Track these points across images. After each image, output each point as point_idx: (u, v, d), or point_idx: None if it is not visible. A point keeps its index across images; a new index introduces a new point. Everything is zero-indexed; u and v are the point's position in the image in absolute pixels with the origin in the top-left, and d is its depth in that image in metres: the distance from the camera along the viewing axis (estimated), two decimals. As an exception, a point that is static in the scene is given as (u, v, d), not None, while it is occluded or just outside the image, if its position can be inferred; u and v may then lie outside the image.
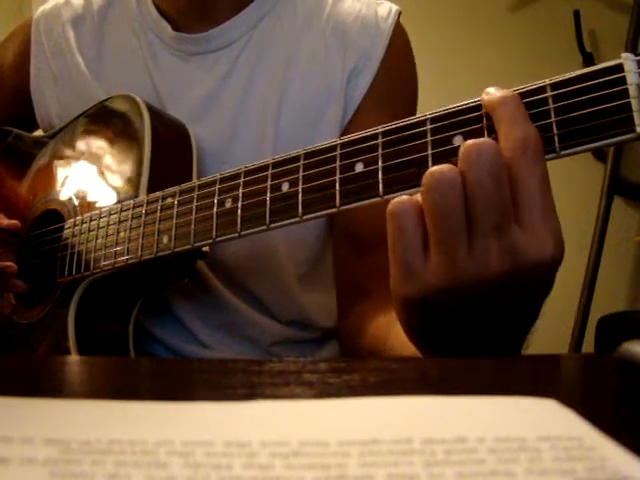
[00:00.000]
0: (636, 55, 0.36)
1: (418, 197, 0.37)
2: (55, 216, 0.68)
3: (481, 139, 0.36)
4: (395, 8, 0.73)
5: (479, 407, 0.22)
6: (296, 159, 0.47)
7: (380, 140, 0.43)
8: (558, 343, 1.86)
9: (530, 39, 2.20)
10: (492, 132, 0.39)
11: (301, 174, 0.46)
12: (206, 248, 0.59)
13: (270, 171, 0.48)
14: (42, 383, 0.31)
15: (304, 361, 0.34)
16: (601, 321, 1.77)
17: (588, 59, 2.12)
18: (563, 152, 0.37)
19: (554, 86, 0.38)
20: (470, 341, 0.39)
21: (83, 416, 0.21)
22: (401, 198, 0.37)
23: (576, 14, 2.11)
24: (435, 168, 0.36)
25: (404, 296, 0.38)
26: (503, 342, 0.40)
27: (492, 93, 0.38)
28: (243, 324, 0.71)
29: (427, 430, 0.19)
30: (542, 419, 0.21)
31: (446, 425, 0.20)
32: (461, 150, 0.36)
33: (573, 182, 1.97)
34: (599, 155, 1.87)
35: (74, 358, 0.57)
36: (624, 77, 0.35)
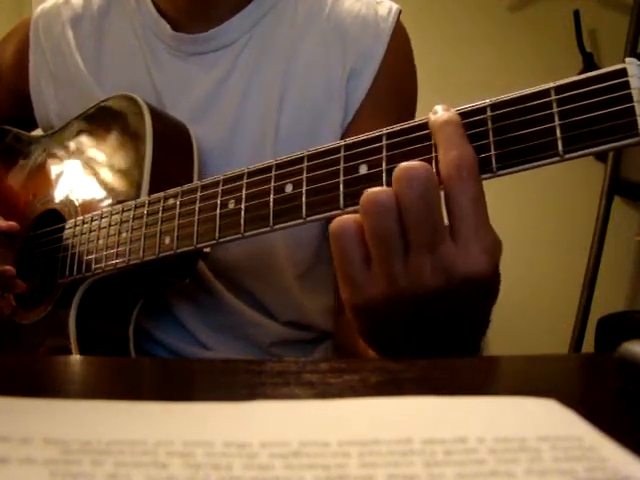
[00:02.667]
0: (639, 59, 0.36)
1: (357, 215, 0.39)
2: (55, 216, 0.68)
3: (414, 162, 0.38)
4: (395, 7, 0.73)
5: (479, 407, 0.22)
6: (300, 160, 0.46)
7: (385, 142, 0.43)
8: (558, 343, 1.86)
9: (530, 39, 2.20)
10: (497, 135, 0.39)
11: (305, 176, 0.46)
12: (207, 249, 0.59)
13: (273, 172, 0.48)
14: (42, 383, 0.31)
15: (304, 361, 0.34)
16: (601, 321, 1.77)
17: (588, 59, 2.12)
18: (567, 155, 0.37)
19: (558, 89, 0.38)
20: (417, 345, 0.41)
21: (83, 416, 0.21)
22: (341, 218, 0.39)
23: (576, 14, 2.11)
24: (370, 191, 0.38)
25: (351, 305, 0.40)
26: (451, 346, 0.42)
27: (436, 115, 0.40)
28: (243, 325, 0.71)
29: (427, 430, 0.19)
30: (542, 419, 0.21)
31: (446, 425, 0.20)
32: (395, 173, 0.38)
33: (573, 182, 1.97)
34: (599, 155, 1.87)
35: (74, 358, 0.57)
36: (628, 82, 0.35)
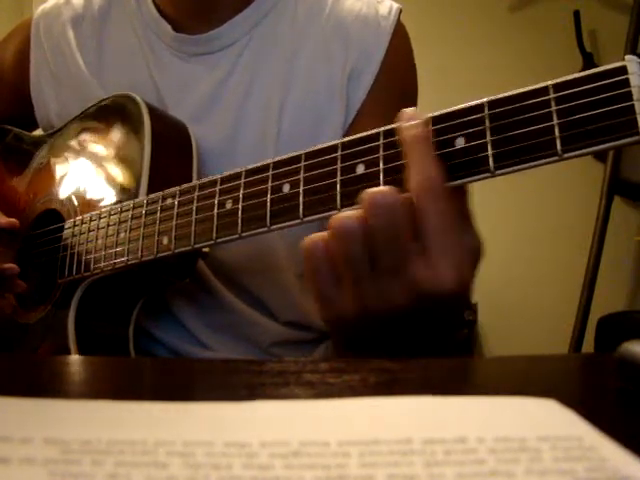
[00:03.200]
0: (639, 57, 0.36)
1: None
2: (55, 216, 0.68)
3: (381, 188, 0.39)
4: (396, 6, 0.73)
5: (479, 407, 0.22)
6: (297, 160, 0.46)
7: (382, 141, 0.43)
8: (558, 343, 1.86)
9: (530, 39, 2.20)
10: (495, 134, 0.38)
11: (302, 175, 0.45)
12: (206, 248, 0.59)
13: (271, 172, 0.47)
14: (42, 383, 0.31)
15: (304, 361, 0.34)
16: (601, 321, 1.77)
17: (588, 59, 2.12)
18: (566, 155, 0.36)
19: (557, 87, 0.37)
20: (389, 354, 0.42)
21: (83, 416, 0.21)
22: (313, 237, 0.41)
23: (576, 14, 2.11)
24: (337, 216, 0.39)
25: (323, 319, 0.42)
26: (424, 350, 0.43)
27: (407, 129, 0.40)
28: (243, 325, 0.71)
29: (427, 430, 0.19)
30: (542, 419, 0.21)
31: (446, 425, 0.20)
32: (362, 198, 0.39)
33: (573, 182, 1.97)
34: (599, 155, 1.87)
35: (74, 358, 0.57)
36: (627, 79, 0.35)
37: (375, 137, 0.43)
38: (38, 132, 0.81)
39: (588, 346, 1.81)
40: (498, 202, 2.07)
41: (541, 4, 2.25)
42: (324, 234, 0.40)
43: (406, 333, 0.41)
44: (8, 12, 2.24)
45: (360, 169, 0.43)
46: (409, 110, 0.41)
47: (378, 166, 0.42)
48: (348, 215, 0.39)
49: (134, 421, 0.21)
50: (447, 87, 2.08)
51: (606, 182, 1.88)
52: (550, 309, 2.10)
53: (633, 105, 0.34)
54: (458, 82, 2.19)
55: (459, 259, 0.38)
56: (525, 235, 2.20)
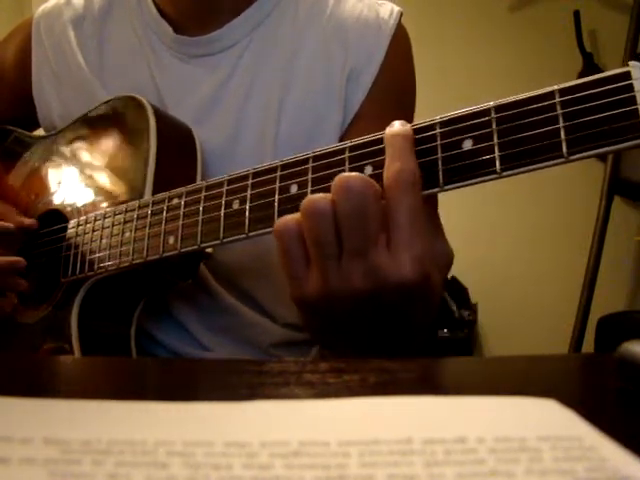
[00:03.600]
0: None
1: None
2: (57, 216, 0.68)
3: (351, 174, 0.40)
4: (397, 9, 0.73)
5: (479, 407, 0.22)
6: (305, 161, 0.47)
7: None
8: (558, 343, 1.86)
9: (530, 39, 2.21)
10: (501, 137, 0.39)
11: (310, 176, 0.46)
12: (210, 250, 0.59)
13: (279, 173, 0.48)
14: (42, 383, 0.31)
15: (304, 361, 0.34)
16: (601, 321, 1.77)
17: (588, 59, 2.12)
18: (572, 157, 0.37)
19: (562, 92, 0.38)
20: (352, 341, 0.45)
21: (83, 416, 0.21)
22: (285, 218, 0.42)
23: (576, 14, 2.11)
24: (310, 197, 0.41)
25: (292, 298, 0.44)
26: (387, 346, 0.45)
27: (391, 128, 0.43)
28: (243, 326, 0.71)
29: (427, 430, 0.19)
30: (542, 419, 0.21)
31: (446, 425, 0.20)
32: (334, 181, 0.40)
33: (573, 182, 1.97)
34: (599, 155, 1.87)
35: (74, 358, 0.57)
36: (632, 84, 0.36)
37: (382, 140, 0.44)
38: (39, 132, 0.81)
39: (588, 346, 1.81)
40: (498, 202, 2.08)
41: (541, 4, 2.25)
42: (295, 215, 0.42)
43: (364, 321, 0.43)
44: (8, 12, 2.24)
45: (368, 170, 0.44)
46: (397, 121, 0.43)
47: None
48: (319, 196, 0.40)
49: (134, 421, 0.21)
50: (447, 87, 2.08)
51: (606, 182, 1.88)
52: (550, 309, 2.10)
53: (637, 109, 0.36)
54: (458, 82, 2.19)
55: (421, 253, 0.40)
56: (525, 235, 2.20)
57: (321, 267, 0.41)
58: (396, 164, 0.41)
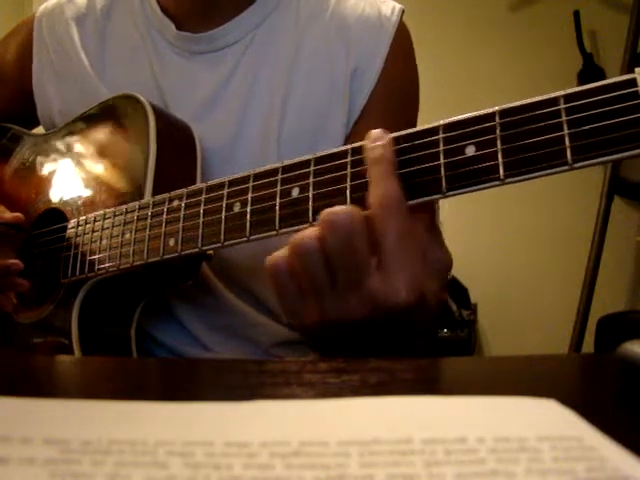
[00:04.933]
0: None
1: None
2: (57, 215, 0.68)
3: (336, 209, 0.41)
4: (398, 7, 0.73)
5: (479, 407, 0.22)
6: (307, 164, 0.46)
7: (394, 147, 0.43)
8: (558, 343, 1.86)
9: (530, 39, 2.20)
10: (505, 143, 0.39)
11: (312, 180, 0.45)
12: (211, 251, 0.59)
13: (280, 176, 0.47)
14: (42, 383, 0.31)
15: (304, 361, 0.34)
16: (601, 321, 1.77)
17: (588, 59, 2.12)
18: (576, 165, 0.37)
19: (567, 98, 0.38)
20: (356, 352, 0.45)
21: (83, 416, 0.21)
22: (275, 256, 0.43)
23: (576, 14, 2.11)
24: (297, 236, 0.41)
25: (293, 327, 0.46)
26: (389, 354, 0.45)
27: (371, 150, 0.42)
28: (244, 325, 0.71)
29: (427, 430, 0.19)
30: (542, 419, 0.21)
31: (446, 425, 0.20)
32: (320, 217, 0.41)
33: (573, 182, 1.97)
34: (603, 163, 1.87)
35: (74, 358, 0.57)
36: (637, 92, 0.36)
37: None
38: (39, 130, 0.81)
39: (588, 346, 1.81)
40: (498, 202, 2.08)
41: (541, 4, 2.25)
42: (285, 252, 0.42)
43: (367, 341, 0.43)
44: (8, 11, 2.24)
45: None
46: (376, 131, 0.43)
47: None
48: (306, 234, 0.41)
49: (134, 421, 0.21)
50: (447, 87, 2.08)
51: (606, 182, 1.88)
52: (550, 309, 2.10)
53: None
54: (458, 82, 2.19)
55: (414, 274, 0.40)
56: (525, 235, 2.20)
57: (316, 300, 0.42)
58: (380, 189, 0.41)
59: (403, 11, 0.73)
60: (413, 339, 0.45)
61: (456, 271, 2.13)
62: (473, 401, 0.23)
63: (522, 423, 0.20)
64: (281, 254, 0.43)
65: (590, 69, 2.08)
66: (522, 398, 0.22)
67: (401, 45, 0.72)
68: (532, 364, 0.36)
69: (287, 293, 0.43)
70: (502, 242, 2.20)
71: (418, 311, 0.41)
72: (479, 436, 0.19)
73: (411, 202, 0.42)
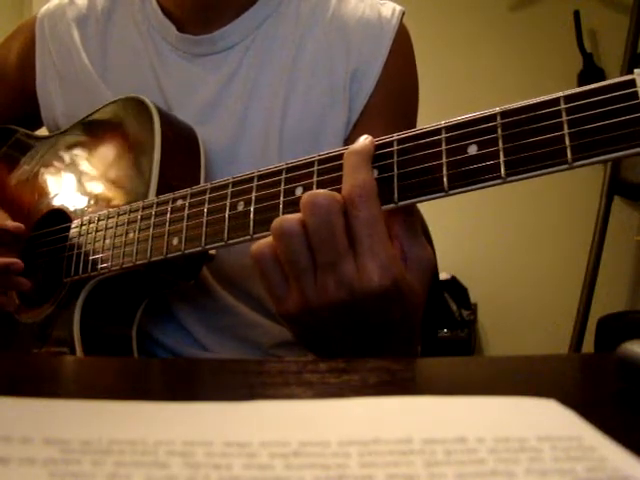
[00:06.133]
0: None
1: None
2: (59, 216, 0.68)
3: (317, 191, 0.43)
4: (399, 8, 0.73)
5: (479, 407, 0.22)
6: (310, 164, 0.47)
7: (395, 148, 0.44)
8: (558, 343, 1.86)
9: (530, 39, 2.21)
10: (507, 142, 0.39)
11: (315, 179, 0.46)
12: (213, 251, 0.59)
13: (284, 175, 0.48)
14: (42, 383, 0.31)
15: (304, 361, 0.34)
16: (601, 321, 1.77)
17: (588, 59, 2.12)
18: (576, 164, 0.38)
19: (568, 98, 0.38)
20: (340, 348, 0.46)
21: (83, 416, 0.21)
22: (259, 243, 0.45)
23: (576, 14, 2.12)
24: (278, 219, 0.43)
25: (278, 313, 0.46)
26: (373, 348, 0.46)
27: (352, 146, 0.45)
28: (243, 326, 0.71)
29: (427, 430, 0.19)
30: (542, 419, 0.21)
31: (446, 425, 0.20)
32: (301, 200, 0.43)
33: (573, 182, 1.97)
34: (603, 162, 1.87)
35: (74, 358, 0.57)
36: (636, 92, 0.36)
37: (389, 144, 0.44)
38: (42, 132, 0.81)
39: (588, 346, 1.81)
40: (498, 202, 2.08)
41: (541, 4, 2.25)
42: (268, 239, 0.44)
43: (346, 329, 0.45)
44: (8, 12, 2.24)
45: (374, 174, 0.44)
46: (363, 137, 0.45)
47: (392, 171, 0.43)
48: (287, 217, 0.43)
49: (134, 421, 0.21)
50: (447, 87, 2.08)
51: (606, 182, 1.88)
52: (550, 309, 2.10)
53: None
54: (458, 82, 2.19)
55: (386, 260, 0.42)
56: (525, 235, 2.20)
57: (298, 283, 0.43)
58: (350, 180, 0.43)
59: (403, 13, 0.73)
60: (393, 329, 0.46)
61: (456, 271, 2.13)
62: (473, 401, 0.23)
63: (522, 423, 0.20)
64: (265, 241, 0.44)
65: (590, 69, 2.08)
66: (522, 398, 0.22)
67: (401, 47, 0.72)
68: (532, 364, 0.36)
69: (272, 279, 0.44)
70: (502, 242, 2.20)
71: (393, 298, 0.43)
72: (479, 436, 0.19)
73: (413, 200, 0.42)
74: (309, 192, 0.43)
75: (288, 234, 0.42)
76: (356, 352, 0.46)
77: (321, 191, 0.43)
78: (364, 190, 0.42)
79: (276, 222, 0.43)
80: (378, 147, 0.45)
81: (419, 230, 0.46)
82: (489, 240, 2.20)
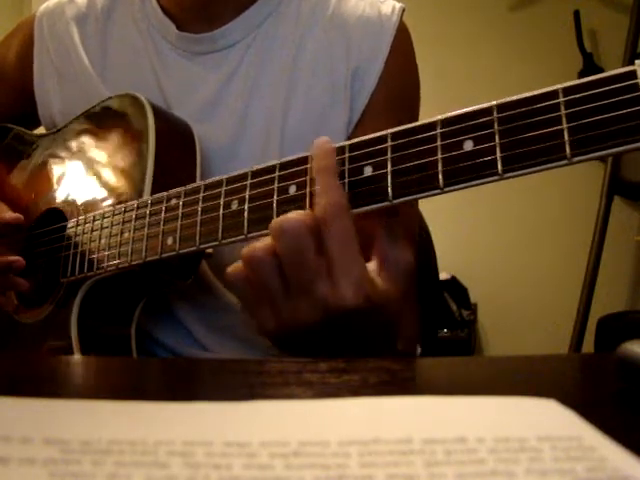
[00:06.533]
0: None
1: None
2: (57, 215, 0.68)
3: (285, 217, 0.43)
4: (399, 6, 0.73)
5: (479, 407, 0.22)
6: (304, 161, 0.46)
7: (389, 143, 0.43)
8: (558, 343, 1.86)
9: (530, 39, 2.21)
10: (503, 137, 0.39)
11: (308, 177, 0.45)
12: (210, 249, 0.59)
13: (277, 173, 0.47)
14: (42, 383, 0.31)
15: (304, 361, 0.34)
16: (601, 321, 1.77)
17: (588, 59, 2.12)
18: (575, 159, 0.37)
19: (566, 91, 0.37)
20: (321, 353, 0.46)
21: (83, 416, 0.21)
22: (233, 267, 0.45)
23: (576, 14, 2.12)
24: (249, 247, 0.44)
25: (257, 331, 0.47)
26: (356, 352, 0.46)
27: (316, 159, 0.44)
28: (244, 326, 0.70)
29: (427, 430, 0.19)
30: (542, 419, 0.21)
31: (446, 425, 0.20)
32: (270, 226, 0.43)
33: (573, 182, 1.97)
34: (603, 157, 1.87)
35: (74, 358, 0.57)
36: (637, 84, 0.35)
37: (383, 139, 0.43)
38: (40, 130, 0.81)
39: (588, 346, 1.81)
40: (498, 202, 2.08)
41: (541, 4, 2.25)
42: (240, 265, 0.45)
43: (323, 345, 0.45)
44: (8, 12, 2.24)
45: (368, 171, 0.43)
46: (321, 139, 0.45)
47: (386, 168, 0.42)
48: (256, 246, 0.43)
49: (134, 421, 0.21)
50: (446, 87, 2.08)
51: (606, 182, 1.88)
52: (550, 309, 2.10)
53: None
54: (457, 82, 2.19)
55: (359, 276, 0.42)
56: (525, 235, 2.20)
57: (272, 306, 0.44)
58: (324, 198, 0.43)
59: (403, 10, 0.73)
60: (373, 339, 0.46)
61: (456, 271, 2.13)
62: (473, 401, 0.23)
63: (522, 423, 0.20)
64: (238, 265, 0.45)
65: (590, 69, 2.08)
66: (522, 398, 0.22)
67: (402, 45, 0.72)
68: (532, 364, 0.36)
69: (246, 299, 0.46)
70: (502, 242, 2.20)
71: (368, 313, 0.43)
72: (479, 436, 0.19)
73: (408, 198, 0.42)
74: (277, 218, 0.43)
75: (257, 262, 0.43)
76: (337, 354, 0.47)
77: (290, 215, 0.43)
78: (335, 209, 0.42)
79: (247, 249, 0.44)
80: (371, 143, 0.44)
81: (399, 232, 0.46)
82: (489, 240, 2.20)
